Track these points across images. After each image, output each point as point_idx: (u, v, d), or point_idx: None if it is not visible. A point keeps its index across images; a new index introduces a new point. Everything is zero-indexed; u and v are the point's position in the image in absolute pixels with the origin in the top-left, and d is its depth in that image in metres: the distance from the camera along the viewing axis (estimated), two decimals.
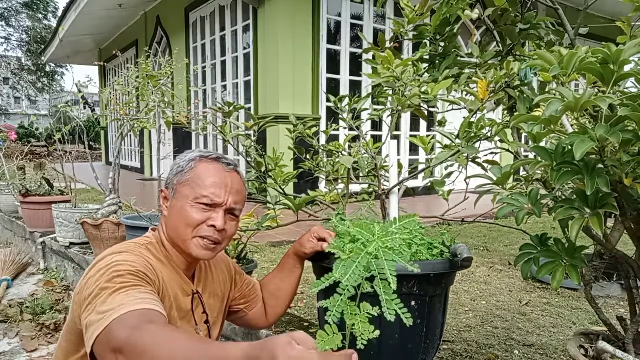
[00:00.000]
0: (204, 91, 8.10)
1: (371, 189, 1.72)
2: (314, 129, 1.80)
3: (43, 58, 14.23)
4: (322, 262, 1.30)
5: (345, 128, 1.90)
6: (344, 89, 6.43)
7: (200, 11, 7.84)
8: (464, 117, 1.40)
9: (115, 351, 0.84)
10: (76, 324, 1.04)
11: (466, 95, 1.49)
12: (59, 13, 14.21)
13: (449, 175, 1.53)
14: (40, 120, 26.56)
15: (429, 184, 1.58)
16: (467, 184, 1.44)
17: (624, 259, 1.22)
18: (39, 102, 33.91)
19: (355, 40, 6.48)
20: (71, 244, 3.56)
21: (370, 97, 1.69)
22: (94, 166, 3.64)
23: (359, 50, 6.44)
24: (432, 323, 1.25)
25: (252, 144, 1.78)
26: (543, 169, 1.06)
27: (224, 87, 7.45)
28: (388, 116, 1.59)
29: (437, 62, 1.70)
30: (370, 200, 1.70)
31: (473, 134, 1.36)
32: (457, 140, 1.39)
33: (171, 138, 8.46)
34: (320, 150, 1.83)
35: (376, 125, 6.70)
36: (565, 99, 0.92)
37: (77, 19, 9.28)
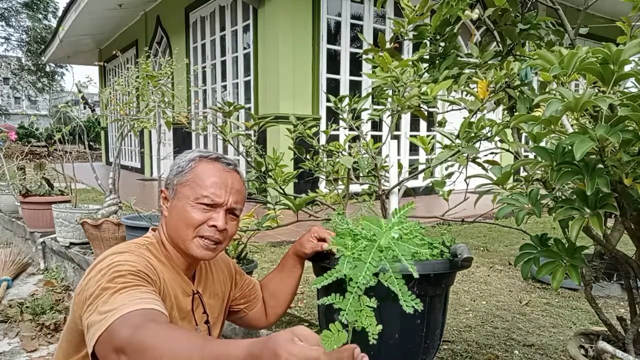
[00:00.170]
0: (204, 91, 8.10)
1: (371, 190, 1.72)
2: (314, 129, 1.80)
3: (43, 58, 14.23)
4: (322, 262, 1.30)
5: (345, 128, 1.90)
6: (344, 89, 6.43)
7: (200, 11, 7.84)
8: (464, 117, 1.40)
9: (118, 351, 0.84)
10: (77, 324, 1.04)
11: (466, 95, 1.49)
12: (59, 13, 14.21)
13: (449, 175, 1.54)
14: (40, 120, 26.56)
15: (429, 184, 1.58)
16: (467, 184, 1.44)
17: (624, 259, 1.22)
18: (39, 102, 33.92)
19: (355, 40, 6.48)
20: (71, 244, 3.56)
21: (371, 97, 1.69)
22: (94, 166, 3.64)
23: (359, 50, 6.44)
24: (432, 323, 1.25)
25: (252, 143, 1.78)
26: (543, 169, 1.06)
27: (224, 87, 7.46)
28: (388, 116, 1.59)
29: (437, 62, 1.70)
30: (371, 200, 1.70)
31: (473, 134, 1.36)
32: (457, 140, 1.39)
33: (171, 138, 8.46)
34: (320, 150, 1.83)
35: (376, 125, 6.70)
36: (566, 99, 0.92)
37: (77, 19, 9.28)
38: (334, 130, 1.92)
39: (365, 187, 1.77)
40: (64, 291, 3.41)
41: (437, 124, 1.65)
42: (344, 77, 6.43)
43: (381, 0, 1.70)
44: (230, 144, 1.76)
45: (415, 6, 1.65)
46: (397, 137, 6.61)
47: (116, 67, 11.65)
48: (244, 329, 2.04)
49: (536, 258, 1.17)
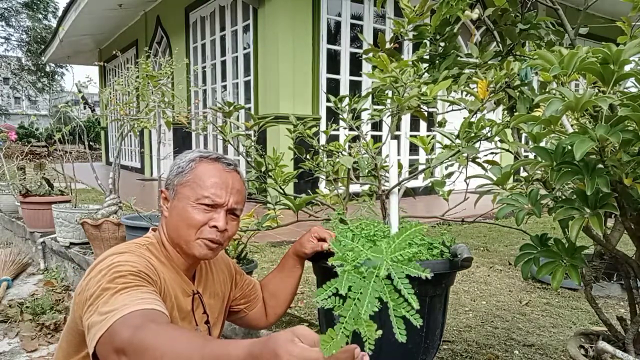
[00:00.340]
0: (204, 91, 8.10)
1: (371, 191, 1.72)
2: (314, 129, 1.80)
3: (43, 58, 14.23)
4: (322, 262, 1.30)
5: (345, 128, 1.90)
6: (344, 89, 6.43)
7: (200, 11, 7.84)
8: (464, 117, 1.40)
9: (118, 351, 0.84)
10: (77, 324, 1.04)
11: (466, 95, 1.49)
12: (59, 13, 14.21)
13: (449, 175, 1.53)
14: (40, 120, 26.56)
15: (429, 184, 1.58)
16: (467, 184, 1.44)
17: (624, 259, 1.22)
18: (39, 102, 33.92)
19: (355, 40, 6.48)
20: (71, 244, 3.56)
21: (371, 96, 1.69)
22: (94, 166, 3.64)
23: (359, 50, 6.44)
24: (432, 323, 1.25)
25: (252, 143, 1.78)
26: (543, 169, 1.06)
27: (224, 87, 7.46)
28: (388, 116, 1.59)
29: (437, 62, 1.70)
30: (370, 200, 1.70)
31: (473, 134, 1.35)
32: (457, 140, 1.39)
33: (171, 138, 8.46)
34: (320, 150, 1.83)
35: (376, 125, 6.70)
36: (566, 99, 0.92)
37: (77, 19, 9.28)
38: (334, 130, 1.92)
39: (366, 187, 1.77)
40: (64, 291, 3.41)
41: (437, 124, 1.65)
42: (344, 77, 6.43)
43: (381, 0, 1.70)
44: (230, 144, 1.76)
45: (415, 6, 1.65)
46: (397, 137, 6.60)
47: (116, 67, 11.65)
48: (244, 329, 2.04)
49: (536, 258, 1.17)
